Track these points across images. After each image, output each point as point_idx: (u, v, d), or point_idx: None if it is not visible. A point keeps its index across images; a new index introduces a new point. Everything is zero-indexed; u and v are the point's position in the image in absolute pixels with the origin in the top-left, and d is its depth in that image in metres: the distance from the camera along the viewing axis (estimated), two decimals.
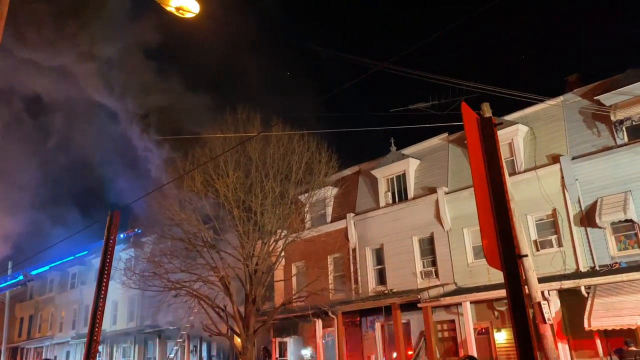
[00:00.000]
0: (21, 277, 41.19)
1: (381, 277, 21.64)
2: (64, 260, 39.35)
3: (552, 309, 15.30)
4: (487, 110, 13.33)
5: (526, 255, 5.03)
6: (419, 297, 18.39)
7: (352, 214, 22.81)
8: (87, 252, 37.54)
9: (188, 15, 8.14)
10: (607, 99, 16.72)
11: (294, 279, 23.20)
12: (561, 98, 18.21)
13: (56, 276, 41.86)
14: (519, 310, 3.93)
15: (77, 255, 38.52)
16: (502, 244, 4.29)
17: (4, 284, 42.22)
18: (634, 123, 16.29)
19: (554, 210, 17.23)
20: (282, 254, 21.07)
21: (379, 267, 21.82)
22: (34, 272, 40.99)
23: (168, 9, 7.96)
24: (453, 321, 18.54)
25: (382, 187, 22.43)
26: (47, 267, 40.59)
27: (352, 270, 22.23)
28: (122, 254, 28.99)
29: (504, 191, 4.49)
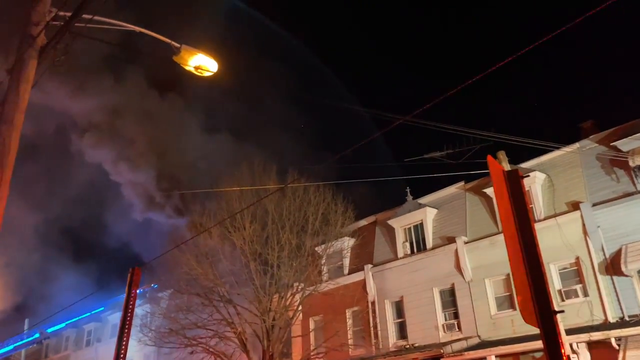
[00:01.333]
0: (37, 335, 40.95)
1: (402, 331, 21.04)
2: (80, 317, 39.10)
3: None
4: (503, 159, 13.34)
5: (563, 311, 4.88)
6: (441, 351, 17.77)
7: (370, 265, 22.47)
8: (103, 308, 37.29)
9: (207, 74, 8.41)
10: (624, 144, 16.62)
11: (312, 334, 22.68)
12: (577, 145, 18.14)
13: (72, 333, 41.42)
14: None
15: (93, 312, 38.27)
16: (537, 300, 4.18)
17: (21, 342, 41.93)
18: None
19: (577, 258, 16.82)
20: (300, 307, 20.70)
21: (399, 320, 21.26)
22: (50, 330, 40.75)
23: (187, 68, 8.24)
24: None
25: (400, 237, 22.19)
26: (63, 325, 40.34)
27: (371, 324, 21.67)
28: (138, 310, 28.67)
29: (535, 246, 4.41)
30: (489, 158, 4.85)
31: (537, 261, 4.32)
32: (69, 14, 6.44)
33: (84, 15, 6.41)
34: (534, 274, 4.25)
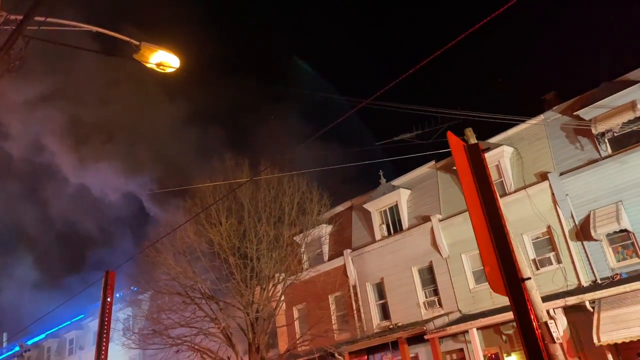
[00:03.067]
0: (17, 348, 40.15)
1: (385, 312, 21.34)
2: (60, 326, 38.46)
3: (559, 327, 15.12)
4: (470, 136, 13.50)
5: (529, 278, 5.02)
6: (424, 328, 18.12)
7: (349, 250, 22.66)
8: (83, 315, 36.74)
9: (169, 70, 8.27)
10: (586, 113, 17.05)
11: (296, 323, 22.80)
12: (542, 116, 18.52)
13: (53, 343, 40.72)
14: (529, 333, 3.89)
15: (73, 320, 37.68)
16: (504, 269, 4.28)
17: (0, 357, 41.07)
18: (615, 134, 16.57)
19: (549, 227, 17.27)
20: (282, 298, 20.76)
21: (382, 301, 21.55)
22: (30, 342, 39.99)
23: (148, 65, 8.08)
24: (462, 350, 18.21)
25: (376, 220, 22.41)
26: (43, 335, 39.63)
27: (354, 307, 21.92)
28: (120, 314, 28.39)
29: (499, 217, 4.51)
30: (449, 134, 4.94)
31: (502, 230, 4.43)
32: (20, 17, 6.25)
33: (36, 18, 6.23)
34: (500, 243, 4.35)
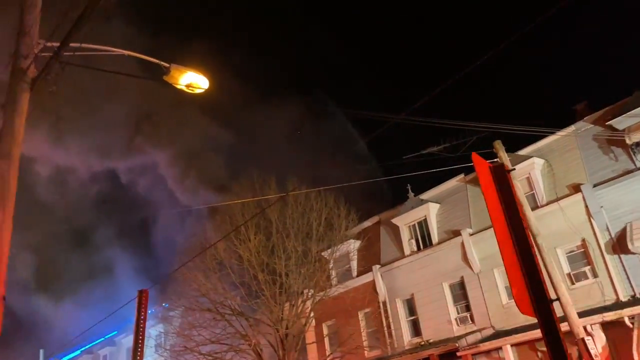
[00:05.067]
0: None
1: (415, 328, 21.03)
2: (95, 343, 39.07)
3: (597, 344, 14.64)
4: (499, 148, 13.36)
5: (557, 299, 4.92)
6: (456, 345, 17.78)
7: (377, 266, 22.48)
8: (116, 332, 37.28)
9: (198, 91, 8.49)
10: (619, 123, 16.66)
11: (326, 340, 22.66)
12: (573, 127, 18.18)
13: None
14: (559, 356, 3.78)
15: (106, 337, 38.25)
16: (532, 291, 4.20)
17: None
18: None
19: (583, 240, 16.83)
20: (312, 314, 20.70)
21: (412, 318, 21.25)
22: (65, 359, 40.73)
23: (178, 87, 8.32)
24: None
25: (405, 235, 22.20)
26: (78, 352, 40.29)
27: (384, 324, 21.67)
28: (152, 331, 28.72)
29: (526, 238, 4.44)
30: (474, 155, 4.90)
31: (529, 252, 4.36)
32: (57, 44, 6.50)
33: (72, 44, 6.47)
34: (527, 265, 4.28)
